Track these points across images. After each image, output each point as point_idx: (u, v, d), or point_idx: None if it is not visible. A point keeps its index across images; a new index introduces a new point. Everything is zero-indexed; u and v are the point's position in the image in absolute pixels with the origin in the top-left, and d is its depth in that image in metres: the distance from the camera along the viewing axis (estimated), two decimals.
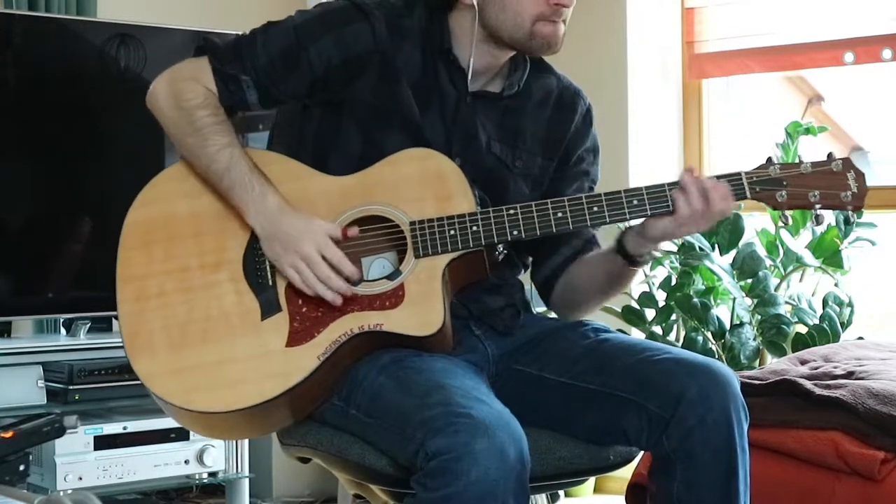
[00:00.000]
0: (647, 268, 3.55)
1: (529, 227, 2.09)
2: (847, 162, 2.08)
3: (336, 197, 2.12)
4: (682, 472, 2.00)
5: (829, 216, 3.35)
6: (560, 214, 2.09)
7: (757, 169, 2.09)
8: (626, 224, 2.16)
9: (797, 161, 2.09)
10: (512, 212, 2.09)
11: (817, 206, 2.07)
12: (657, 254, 2.13)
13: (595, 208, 2.09)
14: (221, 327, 2.06)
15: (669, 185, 2.09)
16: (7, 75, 3.51)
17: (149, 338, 2.07)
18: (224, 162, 2.09)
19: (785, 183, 2.07)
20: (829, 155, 2.09)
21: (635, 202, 2.08)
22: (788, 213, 2.11)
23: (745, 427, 2.02)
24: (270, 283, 2.09)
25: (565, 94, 2.30)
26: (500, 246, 2.12)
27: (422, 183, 2.11)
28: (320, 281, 2.04)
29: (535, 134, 2.25)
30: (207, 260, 2.11)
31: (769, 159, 2.09)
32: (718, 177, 2.08)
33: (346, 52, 2.14)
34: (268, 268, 2.09)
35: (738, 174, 2.08)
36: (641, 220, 2.10)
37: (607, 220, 2.09)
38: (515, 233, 2.09)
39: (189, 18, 4.06)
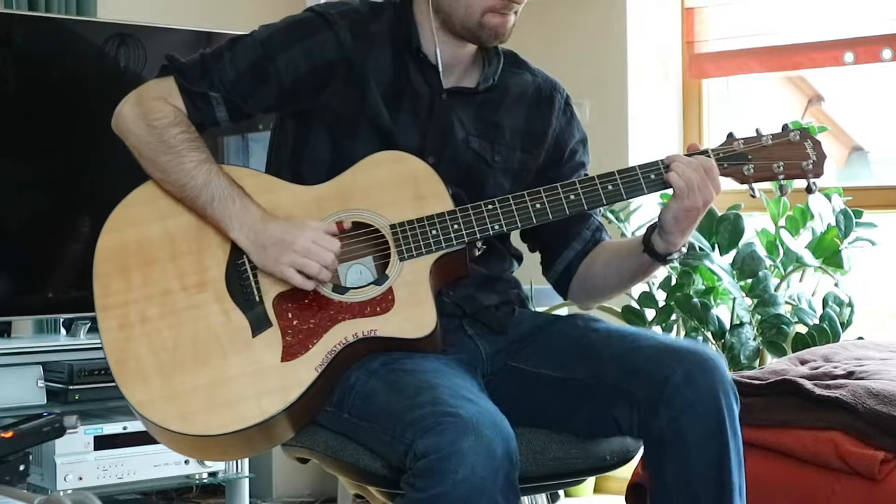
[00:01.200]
0: None
1: (510, 220, 2.10)
2: (803, 132, 2.13)
3: (312, 206, 2.11)
4: (674, 456, 1.99)
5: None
6: (538, 206, 2.11)
7: (722, 145, 2.13)
8: (649, 224, 2.18)
9: (757, 135, 2.13)
10: (490, 206, 2.10)
11: (781, 176, 2.13)
12: (685, 249, 2.16)
13: (571, 197, 2.11)
14: (212, 348, 2.03)
15: (641, 167, 2.13)
16: (7, 75, 3.51)
17: (138, 365, 2.04)
18: (202, 178, 2.07)
19: (750, 157, 2.12)
20: (785, 126, 2.14)
21: (610, 187, 2.11)
22: (755, 185, 2.14)
23: (736, 409, 2.01)
24: (257, 298, 2.06)
25: (543, 88, 2.31)
26: (478, 242, 2.12)
27: (397, 186, 2.11)
28: (325, 267, 2.03)
29: (513, 128, 2.26)
30: (188, 281, 2.07)
31: (730, 135, 2.15)
32: (688, 155, 2.12)
33: (313, 62, 2.14)
34: (253, 283, 2.07)
35: (706, 151, 2.12)
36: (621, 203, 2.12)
37: (585, 207, 2.12)
38: (497, 227, 2.10)
39: (189, 18, 4.05)
